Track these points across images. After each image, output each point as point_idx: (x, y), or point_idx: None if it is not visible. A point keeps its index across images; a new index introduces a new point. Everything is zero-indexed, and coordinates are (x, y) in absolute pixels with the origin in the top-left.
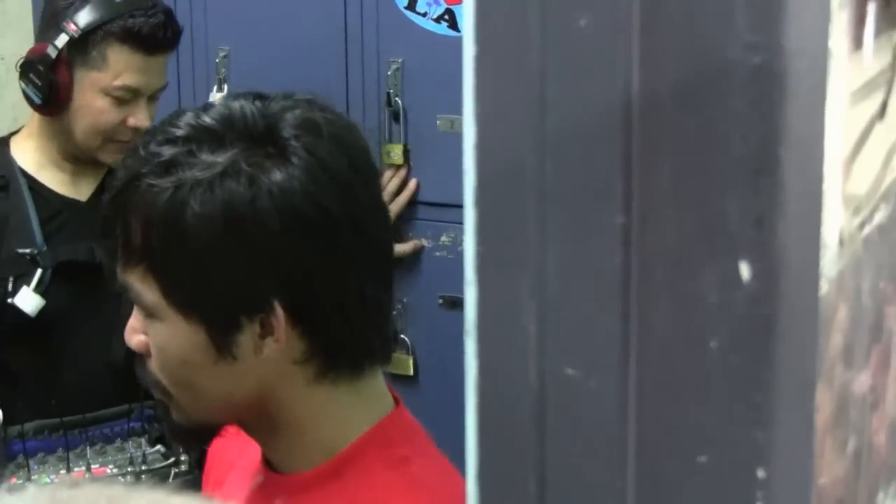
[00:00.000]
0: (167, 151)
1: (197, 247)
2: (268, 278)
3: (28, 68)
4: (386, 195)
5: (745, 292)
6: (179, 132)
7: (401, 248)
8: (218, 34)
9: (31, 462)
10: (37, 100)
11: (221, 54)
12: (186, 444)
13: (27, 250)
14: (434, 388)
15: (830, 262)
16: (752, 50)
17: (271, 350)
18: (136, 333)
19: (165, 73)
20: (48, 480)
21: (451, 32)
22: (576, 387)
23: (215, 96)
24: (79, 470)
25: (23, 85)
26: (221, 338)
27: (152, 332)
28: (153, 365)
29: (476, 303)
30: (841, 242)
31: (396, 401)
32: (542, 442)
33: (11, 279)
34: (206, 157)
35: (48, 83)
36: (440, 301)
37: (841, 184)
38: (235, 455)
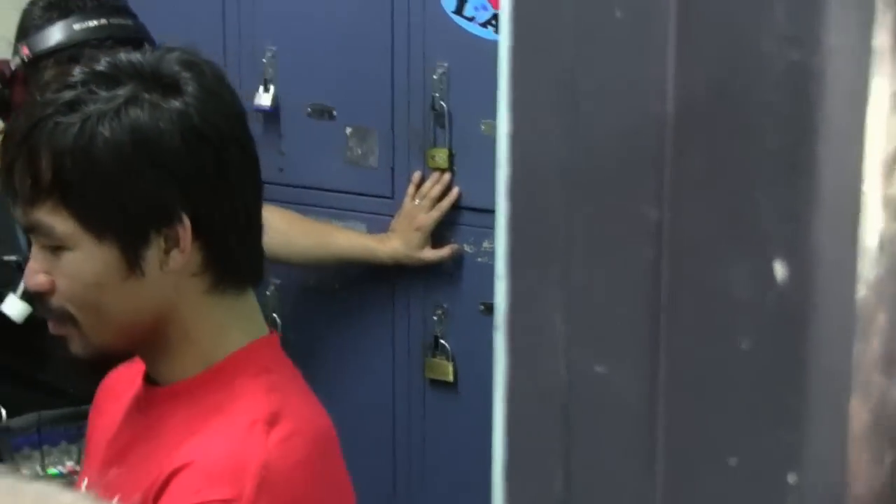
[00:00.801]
0: (68, 94)
1: (109, 170)
2: (174, 191)
3: None
4: (428, 200)
5: (778, 291)
6: (74, 79)
7: (438, 253)
8: (265, 34)
9: (35, 453)
10: None
11: (268, 54)
12: (86, 374)
13: (12, 257)
14: (474, 395)
15: (869, 265)
16: (789, 44)
17: (175, 262)
18: (37, 274)
19: None
20: (57, 472)
21: (499, 37)
22: (604, 384)
23: (262, 96)
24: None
25: None
26: (133, 255)
27: (62, 262)
28: (60, 298)
29: (506, 297)
30: (881, 246)
31: (272, 332)
32: (569, 439)
33: None
34: (105, 93)
35: (3, 100)
36: (481, 307)
37: (882, 186)
38: (121, 391)
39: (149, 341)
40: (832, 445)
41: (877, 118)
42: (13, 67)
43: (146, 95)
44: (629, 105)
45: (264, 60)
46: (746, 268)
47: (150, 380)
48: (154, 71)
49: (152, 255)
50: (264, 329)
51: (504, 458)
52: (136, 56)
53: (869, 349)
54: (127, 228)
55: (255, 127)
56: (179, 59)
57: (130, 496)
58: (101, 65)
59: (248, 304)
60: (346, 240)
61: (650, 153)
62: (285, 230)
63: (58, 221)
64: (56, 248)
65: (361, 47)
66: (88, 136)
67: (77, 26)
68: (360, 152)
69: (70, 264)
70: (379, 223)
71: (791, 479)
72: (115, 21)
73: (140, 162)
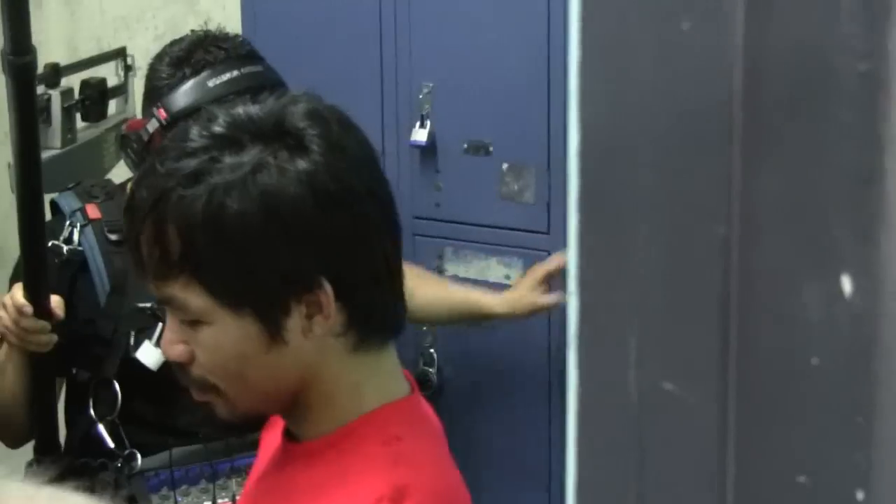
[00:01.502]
0: (189, 163)
1: (241, 243)
2: (311, 257)
3: (125, 142)
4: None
5: (848, 308)
6: (194, 144)
7: (553, 298)
8: (422, 70)
9: (174, 493)
10: (134, 173)
11: (425, 90)
12: (230, 433)
13: (148, 304)
14: None
15: None
16: (859, 56)
17: (319, 328)
18: (175, 344)
19: None
20: None
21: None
22: (674, 402)
23: (418, 132)
24: (223, 501)
25: (123, 155)
26: (273, 326)
27: (200, 336)
28: (201, 368)
29: (577, 313)
30: None
31: (414, 389)
32: (640, 457)
33: (133, 333)
34: (229, 160)
35: (142, 161)
36: None
37: None
38: (272, 440)
39: (292, 402)
40: None
41: None
42: (150, 130)
43: (272, 160)
44: (697, 120)
45: (420, 97)
46: (816, 283)
47: (288, 433)
48: (277, 128)
49: (294, 323)
50: (402, 388)
51: (576, 477)
52: (256, 110)
53: None
54: (265, 300)
55: (412, 162)
56: (304, 111)
57: None
58: (220, 125)
59: (388, 360)
60: (461, 295)
61: (719, 169)
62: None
63: (192, 297)
64: (193, 321)
65: (518, 83)
66: (216, 209)
67: (211, 83)
68: (516, 188)
69: (209, 338)
70: (534, 258)
71: (860, 496)
72: (247, 70)
73: (272, 232)
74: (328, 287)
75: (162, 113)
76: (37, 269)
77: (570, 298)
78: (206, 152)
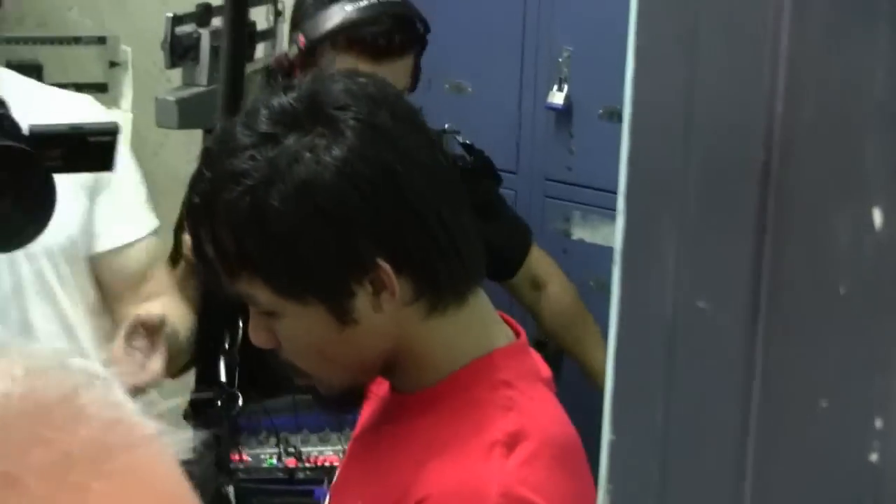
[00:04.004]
0: (231, 165)
1: (289, 239)
2: (361, 242)
3: (271, 76)
4: None
5: (876, 238)
6: (235, 144)
7: None
8: (563, 34)
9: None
10: None
11: (565, 54)
12: (340, 412)
13: None
14: None
15: None
16: None
17: (387, 303)
18: (261, 332)
19: (403, 76)
20: (273, 463)
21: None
22: (706, 320)
23: (555, 95)
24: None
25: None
26: (341, 310)
27: (278, 326)
28: (287, 354)
29: (623, 232)
30: None
31: (519, 335)
32: (671, 372)
33: None
34: (267, 156)
35: None
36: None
37: None
38: (375, 389)
39: (384, 368)
40: None
41: None
42: (291, 57)
43: (306, 152)
44: (743, 43)
45: (560, 60)
46: (848, 214)
47: (394, 388)
48: (311, 115)
49: (362, 302)
50: (502, 334)
51: (612, 387)
52: (288, 99)
53: None
54: (325, 289)
55: (547, 125)
56: (337, 92)
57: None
58: (262, 119)
59: (478, 310)
60: None
61: (761, 95)
62: None
63: (257, 292)
64: (268, 312)
65: None
66: (258, 208)
67: (349, 7)
68: None
69: (285, 328)
70: None
71: (878, 423)
72: None
73: (316, 224)
74: (386, 266)
75: (301, 39)
76: None
77: (618, 217)
78: (244, 151)
